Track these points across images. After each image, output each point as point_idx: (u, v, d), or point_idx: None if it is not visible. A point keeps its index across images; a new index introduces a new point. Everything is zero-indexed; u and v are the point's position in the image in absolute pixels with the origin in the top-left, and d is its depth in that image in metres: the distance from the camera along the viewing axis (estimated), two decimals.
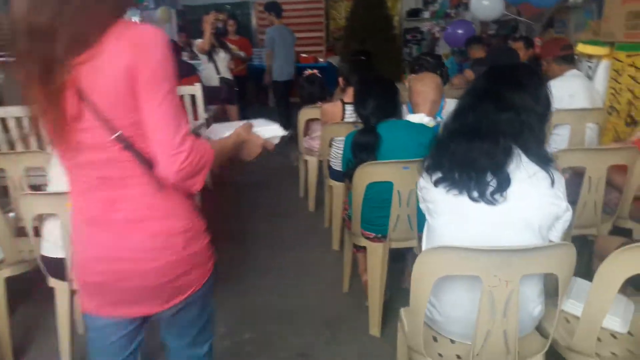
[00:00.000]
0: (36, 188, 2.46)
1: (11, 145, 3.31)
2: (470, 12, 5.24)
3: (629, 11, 3.01)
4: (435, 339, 1.56)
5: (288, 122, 5.42)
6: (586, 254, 2.20)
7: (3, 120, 3.25)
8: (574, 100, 2.99)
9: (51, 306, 2.10)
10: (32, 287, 2.44)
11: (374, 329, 2.33)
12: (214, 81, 5.25)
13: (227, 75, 5.41)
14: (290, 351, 2.27)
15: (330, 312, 2.55)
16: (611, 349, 1.47)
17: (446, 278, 1.37)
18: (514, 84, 1.43)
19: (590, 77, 3.39)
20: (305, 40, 8.97)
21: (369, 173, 2.13)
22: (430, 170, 1.52)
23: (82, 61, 1.00)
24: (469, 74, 4.27)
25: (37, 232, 2.03)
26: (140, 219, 1.15)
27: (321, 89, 3.93)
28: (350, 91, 3.03)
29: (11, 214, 2.40)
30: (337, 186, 3.20)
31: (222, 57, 5.33)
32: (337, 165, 3.15)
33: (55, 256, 1.99)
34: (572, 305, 1.60)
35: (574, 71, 3.16)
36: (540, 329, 1.53)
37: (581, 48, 3.29)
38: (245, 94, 6.61)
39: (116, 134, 1.06)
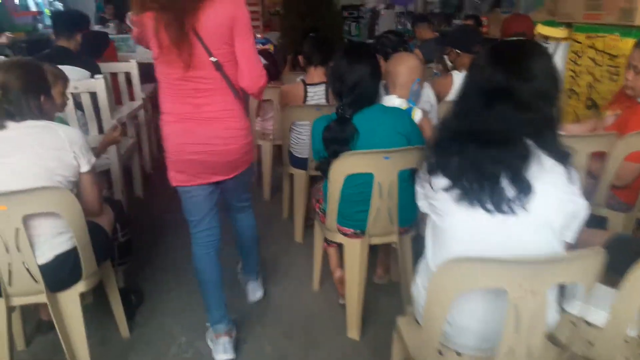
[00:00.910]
0: None
1: None
2: None
3: None
4: (440, 352, 1.42)
5: None
6: None
7: None
8: None
9: None
10: None
11: (353, 332, 2.18)
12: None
13: None
14: (265, 359, 2.08)
15: (302, 313, 2.37)
16: (624, 353, 1.40)
17: None
18: (529, 74, 1.24)
19: None
20: None
21: (348, 165, 1.95)
22: (433, 173, 1.35)
23: (198, 8, 1.65)
24: (418, 53, 4.16)
25: None
26: (219, 118, 1.80)
27: (275, 67, 3.69)
28: (312, 71, 2.80)
29: None
30: (299, 174, 2.99)
31: None
32: (299, 151, 2.94)
33: None
34: (590, 312, 1.50)
35: None
36: (551, 337, 1.43)
37: (540, 29, 3.25)
38: None
39: (214, 60, 1.71)
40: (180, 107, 1.78)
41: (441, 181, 1.31)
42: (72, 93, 2.95)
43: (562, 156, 1.28)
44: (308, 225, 3.12)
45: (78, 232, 1.73)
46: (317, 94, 2.81)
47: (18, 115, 1.76)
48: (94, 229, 1.87)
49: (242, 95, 1.84)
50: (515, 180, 1.22)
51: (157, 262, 2.83)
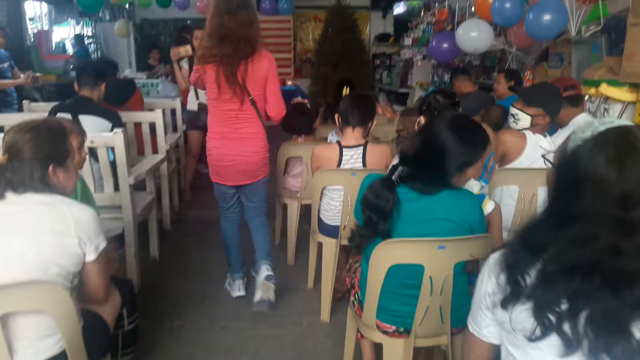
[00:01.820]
0: None
1: None
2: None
3: None
4: None
5: None
6: None
7: None
8: None
9: None
10: None
11: None
12: (192, 105, 4.50)
13: (204, 100, 4.73)
14: None
15: None
16: None
17: None
18: None
19: None
20: None
21: (394, 253, 1.63)
22: (514, 300, 1.00)
23: (246, 64, 2.38)
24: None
25: None
26: (249, 137, 2.50)
27: (309, 123, 3.47)
28: (349, 132, 2.52)
29: None
30: (329, 243, 2.68)
31: None
32: (330, 218, 2.64)
33: None
34: None
35: (584, 116, 2.79)
36: None
37: (604, 90, 2.93)
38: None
39: (250, 97, 2.44)
40: (223, 129, 2.53)
41: (532, 327, 0.96)
42: (88, 147, 2.74)
43: None
44: (336, 298, 2.79)
45: (69, 333, 1.44)
46: (354, 158, 2.53)
47: (20, 186, 1.52)
48: (92, 323, 1.59)
49: (266, 124, 2.59)
50: None
51: (168, 343, 2.51)
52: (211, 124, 2.57)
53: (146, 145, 3.77)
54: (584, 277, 0.89)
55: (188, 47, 3.78)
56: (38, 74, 5.10)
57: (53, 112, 2.98)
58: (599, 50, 3.51)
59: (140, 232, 3.03)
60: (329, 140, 3.49)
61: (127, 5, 8.63)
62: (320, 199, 2.65)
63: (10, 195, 1.51)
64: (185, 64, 4.15)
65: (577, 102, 2.88)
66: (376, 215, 1.63)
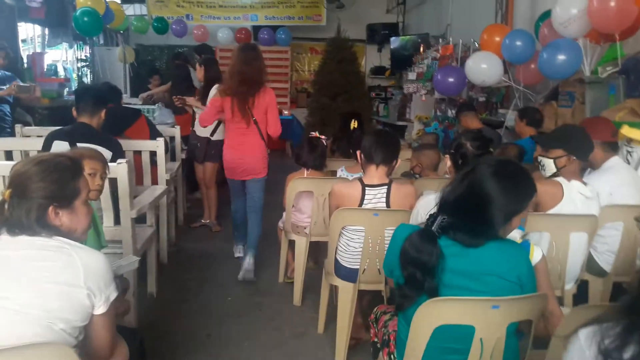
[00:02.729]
0: None
1: None
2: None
3: None
4: None
5: None
6: None
7: None
8: (617, 195, 2.52)
9: None
10: None
11: None
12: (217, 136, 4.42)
13: (204, 134, 4.50)
14: None
15: None
16: None
17: None
18: None
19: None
20: None
21: (441, 313, 1.46)
22: None
23: (254, 97, 3.38)
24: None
25: None
26: (252, 148, 3.49)
27: (322, 158, 3.34)
28: (372, 171, 2.37)
29: None
30: (345, 287, 2.49)
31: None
32: (348, 260, 2.46)
33: None
34: None
35: (617, 159, 2.70)
36: None
37: (626, 132, 2.84)
38: None
39: (254, 119, 3.43)
40: (235, 141, 3.52)
41: None
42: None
43: None
44: (350, 345, 2.59)
45: None
46: (377, 197, 2.37)
47: (16, 227, 1.34)
48: None
49: (266, 138, 3.53)
50: None
51: None
52: (227, 137, 3.65)
53: (146, 175, 3.59)
54: None
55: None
56: (29, 84, 4.82)
57: (49, 139, 2.79)
58: (617, 91, 3.46)
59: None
60: (338, 175, 3.36)
61: (122, 30, 8.54)
62: (338, 239, 2.48)
63: (5, 239, 1.33)
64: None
65: (616, 147, 2.80)
66: (421, 272, 1.47)
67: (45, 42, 8.09)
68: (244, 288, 3.40)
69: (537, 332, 1.57)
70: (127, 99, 6.53)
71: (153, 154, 3.57)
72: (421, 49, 6.76)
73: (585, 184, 2.36)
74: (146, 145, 3.53)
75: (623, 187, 2.56)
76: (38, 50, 7.69)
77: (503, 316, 1.45)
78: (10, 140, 3.42)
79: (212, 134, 4.39)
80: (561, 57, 3.60)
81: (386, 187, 2.37)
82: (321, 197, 3.05)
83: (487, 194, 1.47)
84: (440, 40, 6.34)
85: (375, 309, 2.03)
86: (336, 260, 2.52)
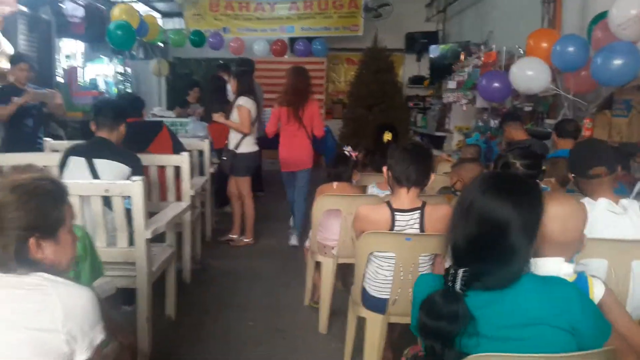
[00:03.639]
0: None
1: None
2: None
3: None
4: None
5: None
6: None
7: None
8: None
9: None
10: None
11: None
12: (249, 148, 4.51)
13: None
14: None
15: None
16: None
17: None
18: None
19: None
20: None
21: None
22: None
23: (303, 106, 4.44)
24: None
25: None
26: (301, 146, 4.52)
27: (346, 173, 3.18)
28: (402, 194, 2.11)
29: None
30: (374, 319, 2.25)
31: None
32: (377, 289, 2.21)
33: None
34: None
35: None
36: None
37: None
38: None
39: (303, 124, 4.47)
40: (288, 141, 4.48)
41: None
42: (102, 196, 2.43)
43: None
44: None
45: None
46: (409, 224, 2.12)
47: None
48: None
49: (312, 138, 4.50)
50: None
51: None
52: (281, 138, 4.50)
53: (169, 191, 3.45)
54: None
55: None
56: (45, 90, 4.57)
57: (66, 155, 2.68)
58: None
59: (155, 286, 2.65)
60: (369, 192, 3.13)
61: (161, 44, 8.59)
62: (366, 266, 2.23)
63: None
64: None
65: None
66: (441, 343, 1.22)
67: (86, 57, 8.24)
68: (266, 312, 3.19)
69: None
70: (160, 112, 6.51)
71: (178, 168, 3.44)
72: (462, 57, 6.47)
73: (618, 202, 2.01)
74: (169, 160, 3.40)
75: None
76: (79, 64, 7.81)
77: None
78: (31, 155, 3.34)
79: (237, 147, 4.39)
80: (617, 61, 3.26)
81: (419, 211, 2.11)
82: (349, 215, 2.80)
83: (498, 217, 1.24)
84: (482, 47, 6.01)
85: (406, 351, 1.77)
86: (363, 289, 2.28)
